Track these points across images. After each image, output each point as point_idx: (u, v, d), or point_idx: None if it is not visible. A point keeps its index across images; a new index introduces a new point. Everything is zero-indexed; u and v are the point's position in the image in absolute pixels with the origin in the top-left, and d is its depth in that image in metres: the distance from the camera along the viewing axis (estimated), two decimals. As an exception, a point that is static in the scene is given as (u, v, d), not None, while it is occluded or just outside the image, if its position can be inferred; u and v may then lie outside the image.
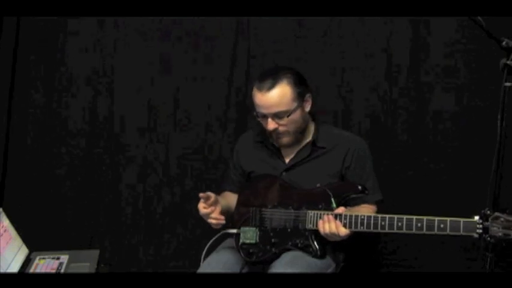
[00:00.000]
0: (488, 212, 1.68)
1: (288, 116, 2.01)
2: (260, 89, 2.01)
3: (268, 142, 2.18)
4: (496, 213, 1.67)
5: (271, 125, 2.02)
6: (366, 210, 2.05)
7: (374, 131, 2.60)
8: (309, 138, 2.13)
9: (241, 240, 2.07)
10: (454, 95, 2.53)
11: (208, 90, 2.73)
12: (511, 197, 2.00)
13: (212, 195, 2.04)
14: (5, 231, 2.04)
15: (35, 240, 2.28)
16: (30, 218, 2.68)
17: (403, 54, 2.56)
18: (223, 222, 2.05)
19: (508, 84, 1.63)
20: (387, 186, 2.28)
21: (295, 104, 2.02)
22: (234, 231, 2.10)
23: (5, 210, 2.13)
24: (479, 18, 1.66)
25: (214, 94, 2.73)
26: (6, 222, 2.10)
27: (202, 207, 2.03)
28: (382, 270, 2.62)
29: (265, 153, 2.18)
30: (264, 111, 2.02)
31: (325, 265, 2.01)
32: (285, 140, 2.08)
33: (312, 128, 2.15)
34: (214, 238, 2.11)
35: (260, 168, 2.16)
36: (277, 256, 2.02)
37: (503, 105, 1.64)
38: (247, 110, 2.69)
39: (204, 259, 2.08)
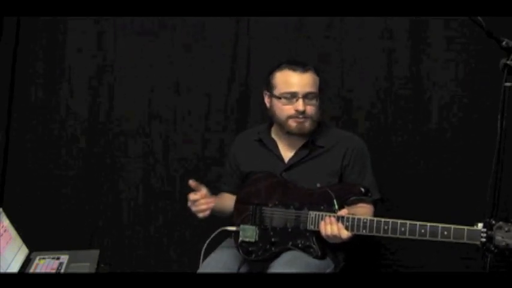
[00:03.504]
0: (493, 221, 1.68)
1: (316, 99, 2.07)
2: (294, 70, 2.07)
3: (268, 140, 2.17)
4: (501, 223, 1.68)
5: (301, 106, 2.04)
6: (363, 210, 2.05)
7: (374, 131, 2.60)
8: (307, 137, 2.13)
9: (240, 238, 2.06)
10: (453, 95, 2.53)
11: (209, 90, 2.73)
12: (511, 197, 2.01)
13: (203, 189, 2.05)
14: (5, 231, 2.04)
15: (35, 240, 2.28)
16: (30, 218, 2.68)
17: (403, 55, 2.56)
18: (212, 205, 2.06)
19: (508, 84, 1.63)
20: (387, 186, 2.28)
21: (318, 93, 2.09)
22: (233, 228, 2.10)
23: (5, 210, 2.12)
24: (479, 18, 1.66)
25: (215, 93, 2.73)
26: (6, 222, 2.10)
27: (192, 195, 2.05)
28: (382, 270, 2.62)
29: (264, 154, 2.18)
30: (298, 90, 2.05)
31: (324, 265, 2.01)
32: (307, 125, 2.08)
33: None
34: (213, 235, 2.09)
35: (259, 169, 2.15)
36: (276, 255, 2.02)
37: (503, 105, 1.64)
38: (248, 109, 2.69)
39: (203, 257, 2.08)
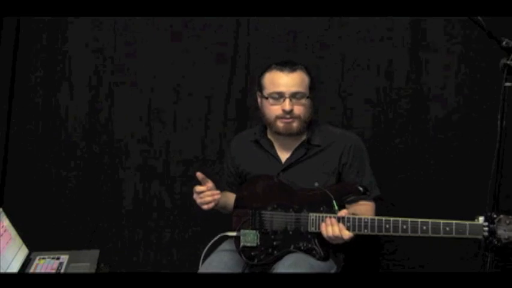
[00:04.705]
0: (494, 214, 1.68)
1: (305, 99, 2.05)
2: (282, 70, 2.07)
3: (264, 141, 2.17)
4: (502, 216, 1.68)
5: (288, 105, 2.03)
6: (364, 208, 2.05)
7: (374, 131, 2.60)
8: (303, 137, 2.13)
9: (241, 244, 2.06)
10: (454, 95, 2.54)
11: (208, 90, 2.73)
12: (511, 196, 2.00)
13: (209, 182, 2.06)
14: (5, 231, 2.04)
15: (35, 240, 2.28)
16: (30, 218, 2.68)
17: (403, 54, 2.56)
18: (217, 197, 2.06)
19: (508, 84, 1.64)
20: (387, 186, 2.28)
21: (308, 92, 2.08)
22: (234, 233, 2.09)
23: (5, 210, 2.13)
24: (479, 18, 1.67)
25: (215, 93, 2.73)
26: (6, 222, 2.10)
27: (197, 187, 2.06)
28: (382, 270, 2.62)
29: (261, 154, 2.18)
30: (285, 89, 2.04)
31: (327, 267, 2.01)
32: (295, 125, 2.07)
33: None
34: (213, 241, 2.10)
35: (257, 169, 2.16)
36: (279, 259, 2.02)
37: (503, 105, 1.64)
38: (247, 110, 2.69)
39: (203, 261, 2.08)
